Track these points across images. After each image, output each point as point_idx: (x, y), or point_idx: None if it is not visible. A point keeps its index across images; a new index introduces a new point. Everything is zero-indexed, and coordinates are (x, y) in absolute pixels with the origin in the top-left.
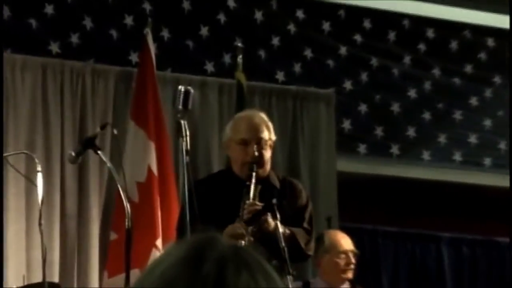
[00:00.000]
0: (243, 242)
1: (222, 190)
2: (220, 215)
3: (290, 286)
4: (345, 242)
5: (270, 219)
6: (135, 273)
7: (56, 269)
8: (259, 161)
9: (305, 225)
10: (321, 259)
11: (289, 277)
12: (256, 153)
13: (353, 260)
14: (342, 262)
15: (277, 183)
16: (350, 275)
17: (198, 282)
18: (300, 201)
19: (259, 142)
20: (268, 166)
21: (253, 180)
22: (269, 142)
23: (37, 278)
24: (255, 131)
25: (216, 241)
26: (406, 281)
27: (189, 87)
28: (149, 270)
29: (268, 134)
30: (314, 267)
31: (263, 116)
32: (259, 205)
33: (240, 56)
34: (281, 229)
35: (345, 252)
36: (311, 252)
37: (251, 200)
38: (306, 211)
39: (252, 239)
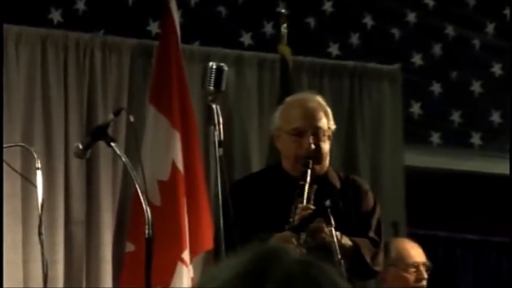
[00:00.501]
0: None
1: (269, 191)
2: (267, 221)
3: None
4: (416, 253)
5: (326, 228)
6: None
7: (60, 286)
8: (316, 156)
9: (372, 234)
10: (387, 273)
11: None
12: (313, 146)
13: (425, 275)
14: (411, 277)
15: (337, 183)
16: None
17: None
18: (366, 205)
19: (316, 133)
20: (326, 162)
21: (308, 179)
22: (327, 133)
23: None
24: (311, 118)
25: (281, 255)
26: None
27: (222, 64)
28: (201, 286)
29: (327, 123)
30: (378, 282)
31: (320, 100)
32: (311, 208)
33: (285, 25)
34: (342, 239)
35: (416, 265)
36: (379, 268)
37: (305, 203)
38: (373, 217)
39: (304, 251)
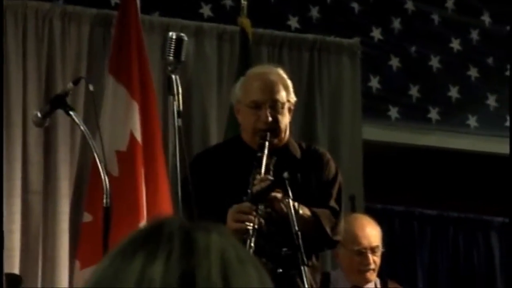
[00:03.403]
0: (251, 225)
1: (229, 163)
2: (226, 193)
3: (305, 277)
4: (363, 236)
5: (286, 200)
6: None
7: (17, 257)
8: (274, 128)
9: (332, 203)
10: (338, 250)
11: (304, 268)
12: (270, 119)
13: (371, 260)
14: (358, 261)
15: (297, 153)
16: (370, 276)
17: (162, 245)
18: (327, 174)
19: (274, 105)
20: (285, 134)
21: (266, 151)
22: (287, 105)
23: None
24: (269, 92)
25: (175, 218)
26: (446, 274)
27: (181, 34)
28: (103, 259)
29: (286, 95)
30: (333, 256)
31: (280, 72)
32: (269, 179)
33: None
34: (300, 210)
35: (363, 251)
36: (339, 237)
37: (262, 175)
38: (333, 186)
39: (263, 221)
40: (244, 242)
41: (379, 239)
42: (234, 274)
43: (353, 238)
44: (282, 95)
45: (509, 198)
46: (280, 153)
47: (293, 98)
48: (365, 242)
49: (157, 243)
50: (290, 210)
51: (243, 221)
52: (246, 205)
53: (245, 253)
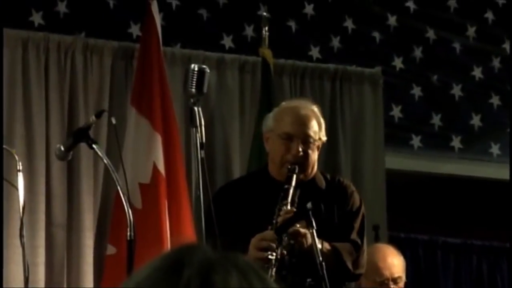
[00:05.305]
0: (273, 254)
1: (254, 195)
2: (250, 224)
3: None
4: (385, 267)
5: (308, 234)
6: None
7: None
8: (302, 163)
9: (354, 236)
10: (361, 281)
11: None
12: (301, 153)
13: None
14: None
15: (322, 184)
16: None
17: None
18: (351, 206)
19: (306, 140)
20: (312, 170)
21: (293, 184)
22: (317, 143)
23: None
24: (303, 125)
25: (198, 248)
26: None
27: (203, 66)
28: (123, 286)
29: (318, 133)
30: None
31: (316, 109)
32: (293, 211)
33: (266, 28)
34: (321, 245)
35: (384, 283)
36: (360, 271)
37: (289, 206)
38: (356, 219)
39: (285, 252)
40: (266, 271)
41: (402, 269)
42: None
43: (375, 270)
44: (315, 131)
45: None
46: (305, 185)
47: (323, 137)
48: (386, 273)
49: None
50: (314, 240)
51: (265, 249)
52: (268, 233)
53: None
